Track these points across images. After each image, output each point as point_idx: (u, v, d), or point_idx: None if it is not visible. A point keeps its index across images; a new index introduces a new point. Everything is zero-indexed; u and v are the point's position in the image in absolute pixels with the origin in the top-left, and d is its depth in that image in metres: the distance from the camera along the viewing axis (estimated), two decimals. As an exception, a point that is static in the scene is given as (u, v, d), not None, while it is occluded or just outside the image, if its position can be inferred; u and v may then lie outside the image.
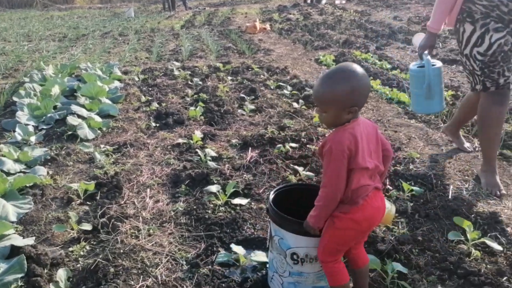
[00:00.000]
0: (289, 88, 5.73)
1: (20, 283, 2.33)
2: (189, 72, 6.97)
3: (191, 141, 4.09)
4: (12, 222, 2.89)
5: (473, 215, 2.67)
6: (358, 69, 1.72)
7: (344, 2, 16.65)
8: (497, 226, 2.58)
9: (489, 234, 2.51)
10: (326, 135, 1.80)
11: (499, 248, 2.38)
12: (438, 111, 3.27)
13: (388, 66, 6.62)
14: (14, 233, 2.78)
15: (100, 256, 2.52)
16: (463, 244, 2.45)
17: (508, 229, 2.56)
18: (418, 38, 3.53)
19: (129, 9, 18.30)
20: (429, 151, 3.70)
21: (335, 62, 7.14)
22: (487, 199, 2.93)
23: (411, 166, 3.38)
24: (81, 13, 20.09)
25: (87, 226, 2.83)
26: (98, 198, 3.19)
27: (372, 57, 7.23)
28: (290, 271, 2.04)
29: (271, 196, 2.13)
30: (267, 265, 2.27)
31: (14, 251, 2.57)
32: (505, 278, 2.17)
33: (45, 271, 2.44)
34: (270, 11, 16.25)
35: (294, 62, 7.61)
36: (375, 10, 14.46)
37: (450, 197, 2.91)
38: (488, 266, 2.27)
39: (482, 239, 2.41)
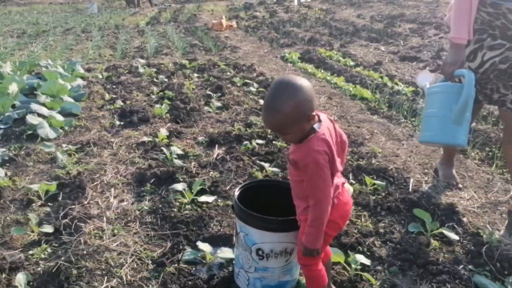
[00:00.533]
0: (256, 85, 5.75)
1: (-24, 289, 2.24)
2: (155, 70, 6.88)
3: (157, 139, 4.04)
4: (-32, 226, 2.77)
5: (432, 207, 2.78)
6: (292, 81, 1.63)
7: (309, 0, 16.83)
8: (454, 216, 2.69)
9: (446, 225, 2.62)
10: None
11: (456, 237, 2.48)
12: (461, 145, 2.58)
13: (352, 63, 6.75)
14: (-30, 237, 2.67)
15: (62, 258, 2.45)
16: (422, 235, 2.54)
17: (464, 219, 2.68)
18: (423, 77, 3.00)
19: (92, 5, 17.84)
20: (390, 145, 3.81)
21: (300, 60, 7.22)
22: (445, 191, 3.05)
23: (373, 161, 3.47)
24: (41, 9, 19.41)
25: (49, 228, 2.75)
26: (60, 199, 3.11)
27: (336, 54, 7.36)
28: (256, 267, 2.06)
29: (237, 193, 2.13)
30: (233, 262, 2.28)
31: (-30, 256, 2.47)
32: (461, 266, 2.26)
33: (3, 275, 2.36)
34: (237, 8, 16.23)
35: (261, 59, 7.65)
36: (340, 8, 14.69)
37: (410, 190, 3.01)
38: (445, 255, 2.37)
39: (440, 230, 2.50)
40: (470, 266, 2.27)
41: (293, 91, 1.60)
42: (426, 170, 3.34)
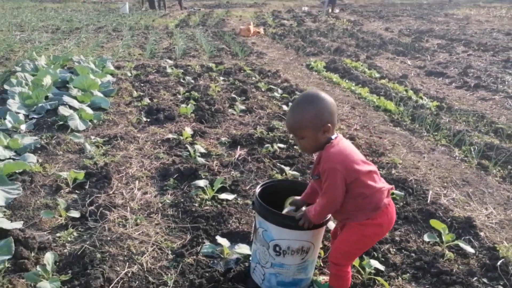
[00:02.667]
0: (280, 91, 5.84)
1: (7, 265, 2.37)
2: (182, 71, 7.04)
3: (181, 137, 4.16)
4: (0, 207, 2.92)
5: (449, 219, 2.79)
6: (320, 93, 1.87)
7: (337, 11, 16.89)
8: (471, 230, 2.71)
9: (463, 238, 2.63)
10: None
11: (472, 250, 2.50)
12: None
13: (377, 75, 6.77)
14: (2, 217, 2.81)
15: (87, 242, 2.57)
16: (438, 246, 2.56)
17: (481, 233, 2.69)
18: None
19: (124, 5, 18.28)
20: (411, 157, 3.83)
21: (325, 69, 7.28)
22: (464, 205, 3.06)
23: (393, 171, 3.50)
24: (75, 7, 20.01)
25: (75, 214, 2.88)
26: (87, 187, 3.25)
27: (361, 65, 7.39)
28: (272, 263, 2.12)
29: (258, 190, 2.21)
30: (250, 257, 2.35)
31: (2, 234, 2.61)
32: (475, 278, 2.28)
33: (32, 254, 2.49)
34: (265, 15, 16.39)
35: (286, 66, 7.74)
36: (368, 20, 14.71)
37: (428, 201, 3.03)
38: (460, 267, 2.39)
39: (456, 242, 2.52)
40: (484, 279, 2.29)
41: (317, 100, 1.85)
42: (445, 184, 3.35)
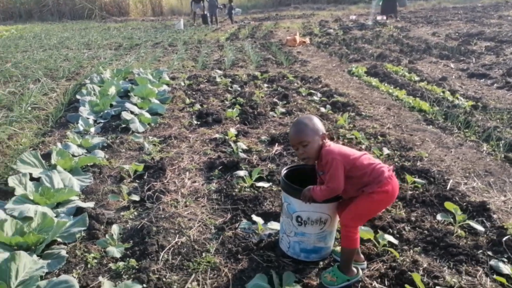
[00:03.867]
0: (319, 95, 6.21)
1: (83, 234, 2.94)
2: (230, 80, 7.60)
3: (226, 137, 4.66)
4: (78, 192, 3.54)
5: (465, 204, 3.03)
6: (310, 115, 2.49)
7: (385, 18, 16.91)
8: (484, 213, 2.93)
9: (476, 219, 2.87)
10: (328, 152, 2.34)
11: (482, 229, 2.74)
12: None
13: (416, 78, 6.94)
14: (78, 199, 3.43)
15: (145, 219, 3.10)
16: (451, 226, 2.82)
17: (494, 216, 2.90)
18: None
19: (179, 21, 19.43)
20: (439, 152, 4.06)
21: (366, 74, 7.54)
22: (483, 193, 3.28)
23: (418, 163, 3.76)
24: (135, 25, 21.48)
25: (136, 197, 3.44)
26: (145, 177, 3.81)
27: (402, 70, 7.57)
28: (296, 232, 2.52)
29: (284, 171, 2.63)
30: (279, 229, 2.76)
31: (79, 211, 3.22)
32: (480, 251, 2.54)
33: (102, 227, 3.06)
34: (312, 25, 16.77)
35: (328, 72, 8.08)
36: (416, 26, 14.65)
37: (448, 188, 3.28)
38: (468, 242, 2.64)
39: (467, 221, 2.77)
40: (489, 252, 2.53)
41: (311, 118, 2.44)
42: (467, 174, 3.57)
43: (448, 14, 18.21)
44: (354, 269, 2.38)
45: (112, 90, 6.28)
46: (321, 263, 2.56)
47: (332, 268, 2.42)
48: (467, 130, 4.48)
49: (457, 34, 12.11)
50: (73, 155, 4.18)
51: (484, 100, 5.59)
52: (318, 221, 2.45)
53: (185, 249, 2.76)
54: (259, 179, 3.61)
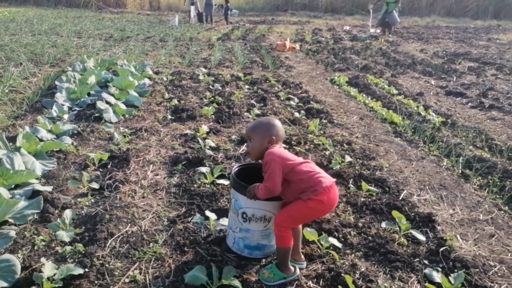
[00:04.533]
0: (297, 100, 6.29)
1: (35, 217, 2.97)
2: (213, 78, 7.66)
3: (198, 133, 4.70)
4: (38, 175, 3.56)
5: (413, 214, 3.12)
6: (275, 119, 2.60)
7: (378, 31, 17.10)
8: (430, 224, 3.02)
9: (420, 229, 2.95)
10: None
11: (423, 238, 2.82)
12: None
13: (395, 91, 7.06)
14: (38, 183, 3.45)
15: (101, 207, 3.14)
16: (396, 234, 2.90)
17: (439, 227, 2.99)
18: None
19: (174, 18, 19.45)
20: (400, 163, 4.15)
21: (347, 83, 7.65)
22: (433, 205, 3.37)
23: (377, 173, 3.85)
24: (130, 18, 21.47)
25: (95, 185, 3.47)
26: (109, 166, 3.84)
27: (382, 82, 7.69)
28: (240, 228, 2.58)
29: (235, 168, 2.69)
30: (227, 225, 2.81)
31: (35, 194, 3.24)
32: (417, 259, 2.62)
33: (56, 211, 3.09)
34: (305, 33, 16.91)
35: (310, 79, 8.18)
36: (406, 41, 14.86)
37: (400, 198, 3.37)
38: (408, 250, 2.73)
39: (411, 230, 2.86)
40: (425, 261, 2.62)
41: (270, 121, 2.57)
42: (422, 187, 3.66)
43: (440, 32, 18.49)
44: (292, 268, 2.44)
45: (92, 79, 6.30)
46: (263, 260, 2.62)
47: (270, 265, 2.49)
48: (431, 145, 4.59)
49: (444, 52, 12.31)
50: (41, 140, 4.20)
51: (455, 117, 5.72)
52: (262, 219, 2.52)
53: (133, 238, 2.80)
54: (221, 176, 3.67)
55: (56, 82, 6.18)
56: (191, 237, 2.82)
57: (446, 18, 26.20)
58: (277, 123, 2.55)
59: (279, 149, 2.46)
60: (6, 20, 16.35)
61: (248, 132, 2.57)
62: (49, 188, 3.33)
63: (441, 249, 2.69)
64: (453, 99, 6.94)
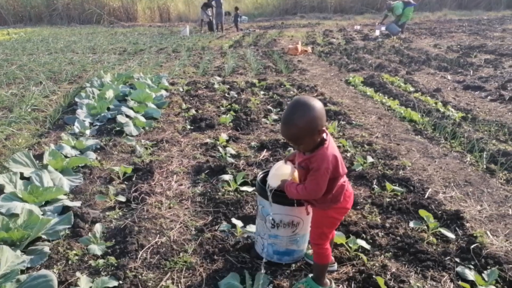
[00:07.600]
0: (313, 103, 6.28)
1: (67, 232, 3.04)
2: (228, 86, 7.72)
3: (217, 142, 4.75)
4: (66, 191, 3.65)
5: (440, 212, 3.10)
6: (307, 100, 2.00)
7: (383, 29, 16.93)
8: (458, 221, 2.99)
9: (449, 227, 2.93)
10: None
11: (453, 236, 2.80)
12: None
13: (411, 89, 7.01)
14: (67, 199, 3.54)
15: (129, 219, 3.20)
16: (424, 232, 2.89)
17: (467, 224, 2.97)
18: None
19: (185, 28, 19.65)
20: (422, 161, 4.12)
21: (362, 83, 7.63)
22: (460, 202, 3.34)
23: (400, 172, 3.83)
24: (142, 30, 21.77)
25: (122, 198, 3.54)
26: (134, 179, 3.91)
27: (398, 80, 7.64)
28: (269, 234, 2.60)
29: (260, 175, 2.71)
30: (255, 232, 2.84)
31: (65, 209, 3.32)
32: (448, 258, 2.60)
33: (86, 225, 3.16)
34: (316, 35, 16.90)
35: (325, 81, 8.18)
36: (419, 38, 14.73)
37: (425, 197, 3.34)
38: (438, 249, 2.71)
39: (439, 229, 2.84)
40: (456, 259, 2.60)
41: (307, 109, 1.97)
42: (447, 184, 3.63)
43: (453, 26, 18.27)
44: (328, 281, 2.44)
45: (110, 94, 6.42)
46: (293, 265, 2.64)
47: (306, 278, 2.47)
48: (453, 141, 4.54)
49: (458, 46, 12.17)
50: (66, 156, 4.29)
51: (475, 112, 5.65)
52: (290, 224, 2.53)
53: (163, 249, 2.84)
54: (244, 183, 3.70)
55: (76, 99, 6.32)
56: (220, 245, 2.85)
57: (457, 11, 25.87)
58: (313, 106, 1.98)
59: (332, 149, 2.06)
60: (23, 41, 16.77)
61: (290, 140, 2.12)
62: (78, 203, 3.40)
63: (472, 246, 2.66)
64: (471, 93, 6.85)
